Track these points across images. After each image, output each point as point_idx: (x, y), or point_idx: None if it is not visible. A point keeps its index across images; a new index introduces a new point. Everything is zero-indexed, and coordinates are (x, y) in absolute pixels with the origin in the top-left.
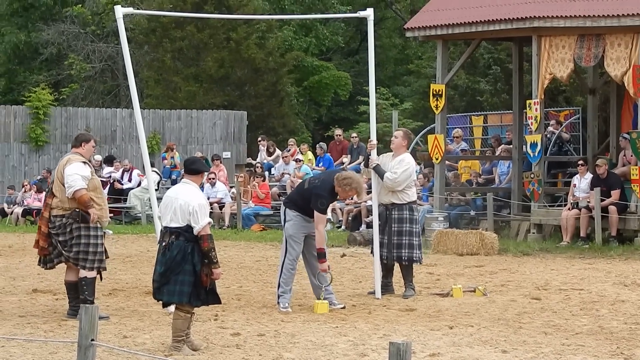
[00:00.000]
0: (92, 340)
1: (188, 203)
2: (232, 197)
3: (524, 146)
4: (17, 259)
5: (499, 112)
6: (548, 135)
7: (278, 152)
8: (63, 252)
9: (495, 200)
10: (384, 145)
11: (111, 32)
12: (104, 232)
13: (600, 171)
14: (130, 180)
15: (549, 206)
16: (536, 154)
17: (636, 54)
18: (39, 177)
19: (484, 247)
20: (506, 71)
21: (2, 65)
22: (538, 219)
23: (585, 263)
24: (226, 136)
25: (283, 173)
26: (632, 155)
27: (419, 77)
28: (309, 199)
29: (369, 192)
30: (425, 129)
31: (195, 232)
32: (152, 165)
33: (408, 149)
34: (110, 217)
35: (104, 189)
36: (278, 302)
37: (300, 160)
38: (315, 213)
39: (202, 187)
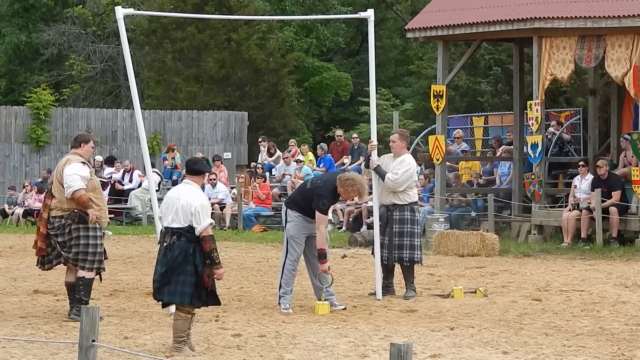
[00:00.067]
0: (93, 341)
1: (190, 204)
2: (232, 198)
3: (524, 147)
4: (18, 260)
5: (500, 113)
6: (549, 136)
7: (279, 152)
8: (62, 252)
9: (496, 201)
10: (385, 146)
11: (112, 32)
12: (103, 233)
13: (601, 172)
14: (131, 181)
15: (550, 207)
16: (537, 155)
17: (637, 54)
18: (40, 178)
19: (485, 248)
20: (507, 72)
21: (3, 66)
22: (539, 220)
23: (586, 264)
24: (227, 137)
25: (284, 174)
26: (632, 156)
27: (420, 77)
28: (310, 200)
29: (369, 193)
30: (426, 130)
31: (197, 233)
32: (153, 165)
33: (409, 150)
34: (111, 218)
35: (105, 189)
36: (279, 303)
37: (301, 161)
38: (317, 213)
39: (203, 187)
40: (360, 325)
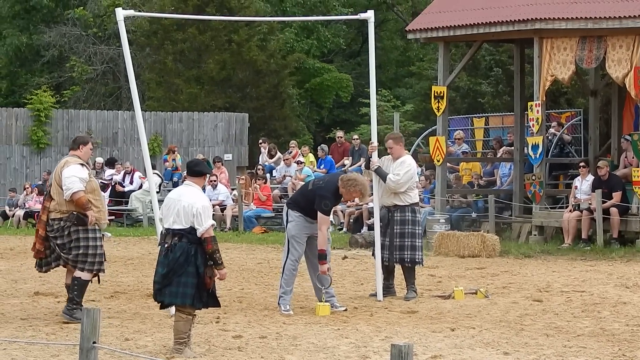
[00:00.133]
0: (94, 342)
1: (192, 205)
2: (233, 200)
3: (525, 148)
4: (19, 262)
5: (501, 114)
6: (549, 137)
7: (279, 154)
8: (62, 254)
9: (496, 202)
10: (385, 148)
11: (113, 34)
12: (102, 235)
13: (602, 173)
14: (131, 182)
15: (551, 208)
16: (537, 156)
17: (637, 55)
18: (40, 180)
19: (486, 249)
20: (507, 73)
21: (3, 68)
22: (539, 221)
23: (586, 265)
24: (228, 138)
25: (284, 175)
26: (633, 157)
27: (421, 79)
28: (312, 200)
29: (371, 194)
30: (427, 131)
31: (198, 234)
32: (154, 167)
33: (409, 151)
34: (111, 220)
35: (106, 191)
36: (279, 304)
37: (301, 163)
38: (319, 214)
39: (203, 189)
40: (361, 327)
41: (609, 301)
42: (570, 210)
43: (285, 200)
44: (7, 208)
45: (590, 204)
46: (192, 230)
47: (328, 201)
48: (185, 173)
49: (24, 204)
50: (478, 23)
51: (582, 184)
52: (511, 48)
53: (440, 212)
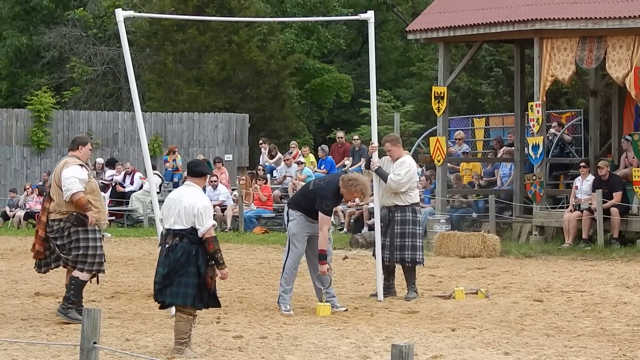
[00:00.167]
0: (95, 343)
1: (193, 205)
2: (234, 200)
3: (525, 148)
4: (20, 262)
5: (501, 114)
6: (550, 137)
7: (280, 154)
8: (62, 255)
9: (497, 202)
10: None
11: (113, 35)
12: (102, 235)
13: (602, 173)
14: (132, 183)
15: (551, 208)
16: (538, 156)
17: (638, 55)
18: (41, 181)
19: (486, 249)
20: (508, 73)
21: (4, 69)
22: (540, 221)
23: (587, 265)
24: (228, 139)
25: (285, 175)
26: (634, 157)
27: (421, 79)
28: (313, 201)
29: (371, 194)
30: (427, 131)
31: (199, 234)
32: (154, 168)
33: (410, 151)
34: (112, 220)
35: (106, 192)
36: (279, 303)
37: (302, 163)
38: (320, 214)
39: (204, 189)
40: (361, 327)
41: (610, 301)
42: (570, 210)
43: (286, 201)
44: (7, 209)
45: (590, 204)
46: (193, 230)
47: (329, 201)
48: (185, 173)
49: (25, 204)
50: (478, 23)
51: (583, 184)
52: (511, 48)
53: (440, 212)
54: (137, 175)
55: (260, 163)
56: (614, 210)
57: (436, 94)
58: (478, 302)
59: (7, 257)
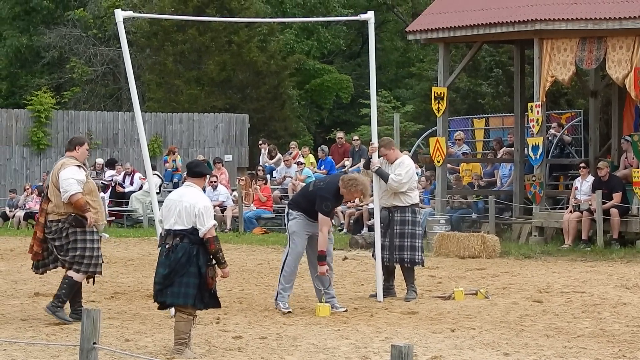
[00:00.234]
0: (94, 343)
1: (194, 205)
2: (233, 200)
3: (525, 149)
4: (19, 263)
5: (501, 114)
6: (550, 138)
7: (279, 155)
8: (59, 257)
9: (496, 203)
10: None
11: (113, 35)
12: (100, 236)
13: (602, 174)
14: (132, 183)
15: (551, 209)
16: (538, 157)
17: (638, 56)
18: (40, 181)
19: (486, 250)
20: (508, 74)
21: (4, 69)
22: (540, 221)
23: (587, 266)
24: (228, 139)
25: (285, 176)
26: (633, 158)
27: (421, 79)
28: (313, 202)
29: (371, 195)
30: (427, 132)
31: (200, 234)
32: (154, 168)
33: (410, 152)
34: (112, 221)
35: (106, 192)
36: (277, 300)
37: (301, 163)
38: (320, 215)
39: (204, 190)
40: (361, 327)
41: (609, 302)
42: (570, 211)
43: (286, 201)
44: (7, 209)
45: (590, 204)
46: (193, 230)
47: (329, 202)
48: (185, 174)
49: (24, 205)
50: (478, 24)
51: (583, 185)
52: (511, 49)
53: (440, 213)
54: (137, 175)
55: (260, 163)
56: (614, 211)
57: (436, 95)
58: (478, 303)
59: (7, 257)
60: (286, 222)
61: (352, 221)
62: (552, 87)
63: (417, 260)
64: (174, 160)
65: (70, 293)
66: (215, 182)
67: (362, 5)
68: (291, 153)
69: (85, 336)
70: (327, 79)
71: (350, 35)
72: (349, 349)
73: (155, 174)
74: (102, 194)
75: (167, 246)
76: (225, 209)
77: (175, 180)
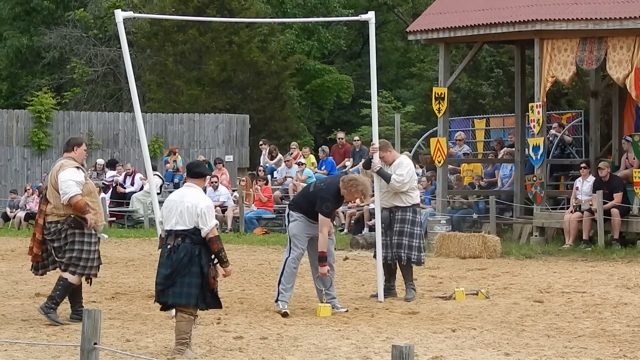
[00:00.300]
0: (95, 344)
1: (196, 205)
2: (234, 201)
3: (526, 149)
4: (20, 263)
5: (502, 115)
6: (550, 138)
7: (280, 155)
8: (56, 258)
9: (497, 203)
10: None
11: (113, 35)
12: (99, 237)
13: (603, 174)
14: (132, 184)
15: (552, 209)
16: (538, 157)
17: (638, 56)
18: (41, 182)
19: (487, 250)
20: (508, 74)
21: (4, 70)
22: (540, 221)
23: (587, 266)
24: (228, 140)
25: (285, 176)
26: (634, 158)
27: (421, 80)
28: (313, 203)
29: (371, 195)
30: (428, 132)
31: (203, 234)
32: (155, 168)
33: (411, 152)
34: (112, 221)
35: (107, 192)
36: (278, 300)
37: (302, 164)
38: (320, 216)
39: (204, 190)
40: (362, 328)
41: (610, 302)
42: (571, 211)
43: (287, 202)
44: (8, 209)
45: (591, 205)
46: (195, 230)
47: (329, 203)
48: (185, 175)
49: (25, 205)
50: (478, 24)
51: (583, 185)
52: (512, 49)
53: (441, 213)
54: (138, 176)
55: (261, 164)
56: (615, 211)
57: (437, 95)
58: (478, 303)
59: (8, 258)
60: (286, 224)
61: (353, 221)
62: (552, 87)
63: (413, 259)
64: (174, 161)
65: (65, 295)
66: (216, 182)
67: (362, 5)
68: (292, 153)
69: (86, 336)
70: (327, 79)
71: (350, 36)
72: (350, 349)
73: (156, 175)
74: (103, 195)
75: (169, 247)
76: (226, 210)
77: (176, 180)
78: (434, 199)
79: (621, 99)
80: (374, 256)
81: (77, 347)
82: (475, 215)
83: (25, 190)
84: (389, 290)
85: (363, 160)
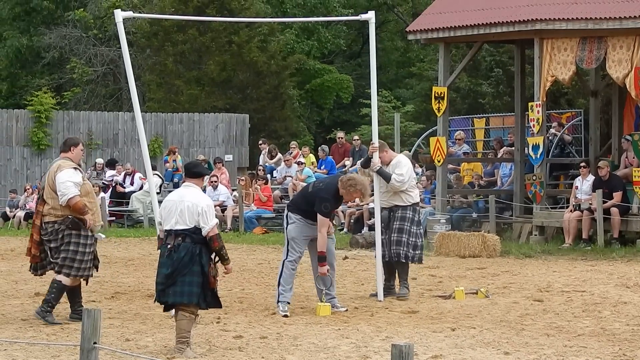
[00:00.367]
0: (95, 343)
1: (196, 204)
2: (234, 200)
3: (526, 148)
4: (20, 263)
5: (501, 114)
6: (550, 138)
7: (280, 155)
8: (52, 260)
9: (497, 202)
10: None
11: (113, 35)
12: (95, 239)
13: (602, 173)
14: (132, 183)
15: (551, 208)
16: (538, 156)
17: (638, 56)
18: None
19: (486, 249)
20: (508, 73)
21: (4, 69)
22: (540, 221)
23: (587, 265)
24: (228, 139)
25: (285, 176)
26: (634, 157)
27: (421, 79)
28: (312, 203)
29: (371, 194)
30: (428, 132)
31: (204, 233)
32: (154, 168)
33: (411, 152)
34: (112, 221)
35: (106, 192)
36: (279, 302)
37: (302, 163)
38: (319, 216)
39: (204, 190)
40: (361, 327)
41: (610, 301)
42: (570, 211)
43: (286, 201)
44: (7, 209)
45: (590, 204)
46: (196, 230)
47: (328, 203)
48: (183, 175)
49: (25, 205)
50: (478, 24)
51: (583, 184)
52: (511, 49)
53: (441, 213)
54: (137, 175)
55: (261, 163)
56: (614, 210)
57: (436, 95)
58: (478, 302)
59: (7, 257)
60: (285, 224)
61: (352, 221)
62: (552, 86)
63: (410, 257)
64: (174, 160)
65: (59, 297)
66: (215, 182)
67: (362, 5)
68: (291, 153)
69: (86, 336)
70: (327, 79)
71: (350, 35)
72: (350, 348)
73: (156, 174)
74: (102, 194)
75: (169, 246)
76: (225, 209)
77: (175, 180)
78: (433, 198)
79: (621, 99)
80: (375, 256)
81: (77, 346)
82: (474, 215)
83: (25, 190)
84: (389, 290)
85: (361, 159)
